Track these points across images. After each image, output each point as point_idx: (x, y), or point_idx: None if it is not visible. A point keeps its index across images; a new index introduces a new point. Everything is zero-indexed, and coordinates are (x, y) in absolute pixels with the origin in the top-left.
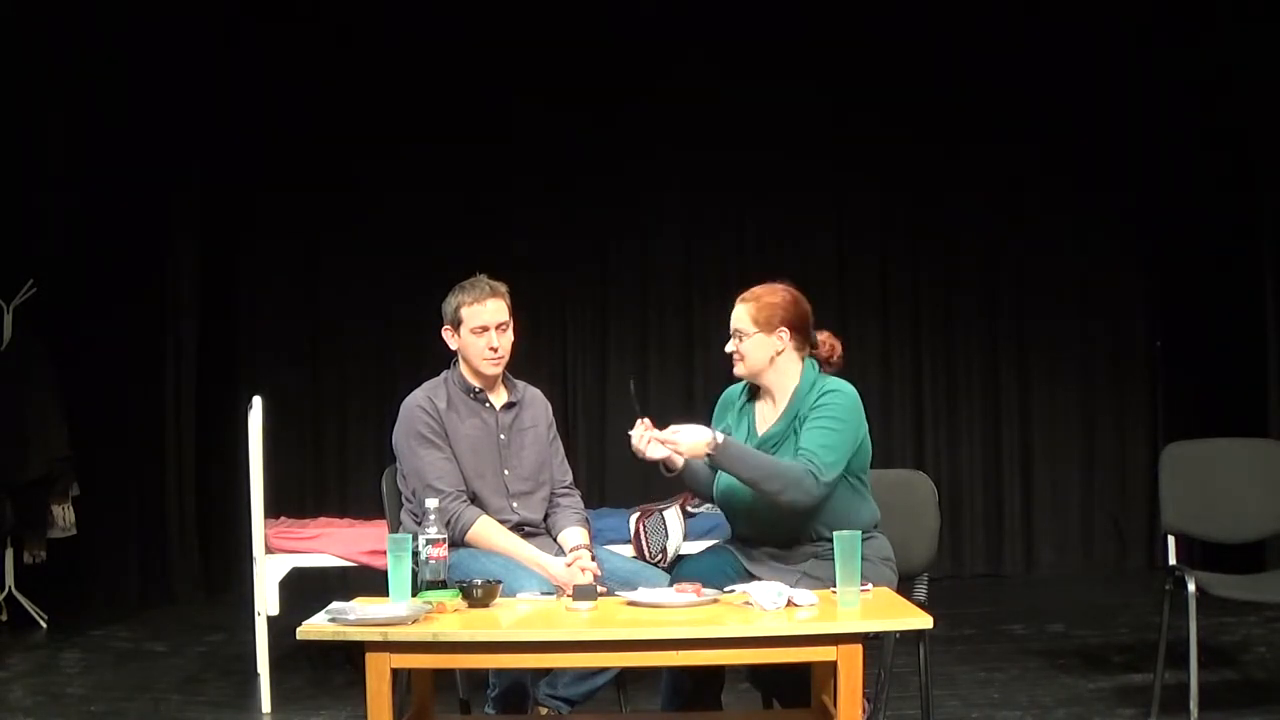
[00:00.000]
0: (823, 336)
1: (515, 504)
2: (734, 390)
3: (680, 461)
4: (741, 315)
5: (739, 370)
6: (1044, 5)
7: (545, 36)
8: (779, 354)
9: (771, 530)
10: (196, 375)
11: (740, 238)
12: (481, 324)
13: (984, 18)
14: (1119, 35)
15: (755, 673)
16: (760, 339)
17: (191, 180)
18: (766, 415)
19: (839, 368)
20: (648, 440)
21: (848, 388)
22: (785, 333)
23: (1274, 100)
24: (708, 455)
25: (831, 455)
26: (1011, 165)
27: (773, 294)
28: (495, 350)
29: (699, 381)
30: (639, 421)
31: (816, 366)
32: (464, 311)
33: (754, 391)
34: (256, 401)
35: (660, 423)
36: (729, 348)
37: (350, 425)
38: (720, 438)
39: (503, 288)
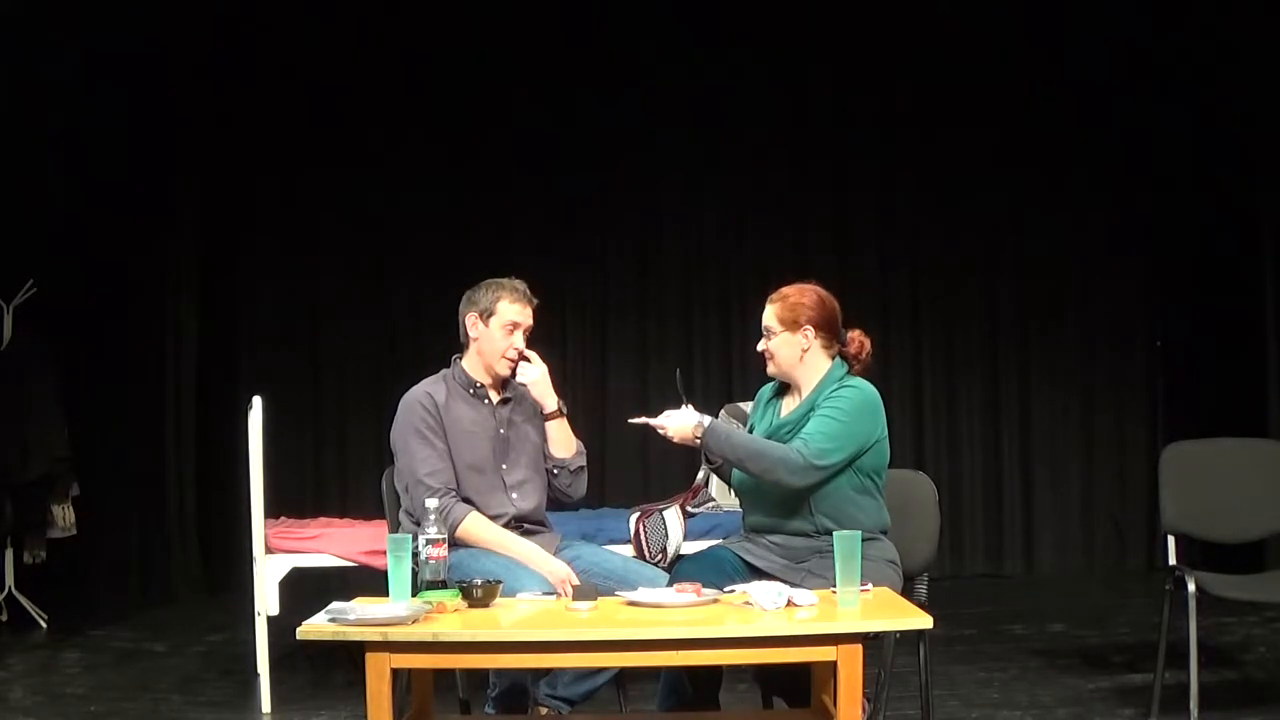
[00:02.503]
0: (852, 335)
1: (514, 495)
2: (766, 389)
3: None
4: (769, 315)
5: (770, 369)
6: (1045, 5)
7: (544, 36)
8: (806, 351)
9: (778, 520)
10: (196, 375)
11: (740, 238)
12: (514, 321)
13: (985, 18)
14: (1119, 35)
15: (759, 670)
16: (786, 337)
17: (191, 180)
18: (788, 404)
19: (867, 365)
20: (650, 426)
21: (867, 387)
22: (810, 331)
23: (1274, 100)
24: (695, 439)
25: (828, 443)
26: (1011, 165)
27: (801, 294)
28: (518, 352)
29: (699, 381)
30: (684, 407)
31: (845, 366)
32: (502, 305)
33: (784, 389)
34: (256, 401)
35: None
36: (760, 346)
37: (350, 425)
38: (706, 421)
39: (535, 301)
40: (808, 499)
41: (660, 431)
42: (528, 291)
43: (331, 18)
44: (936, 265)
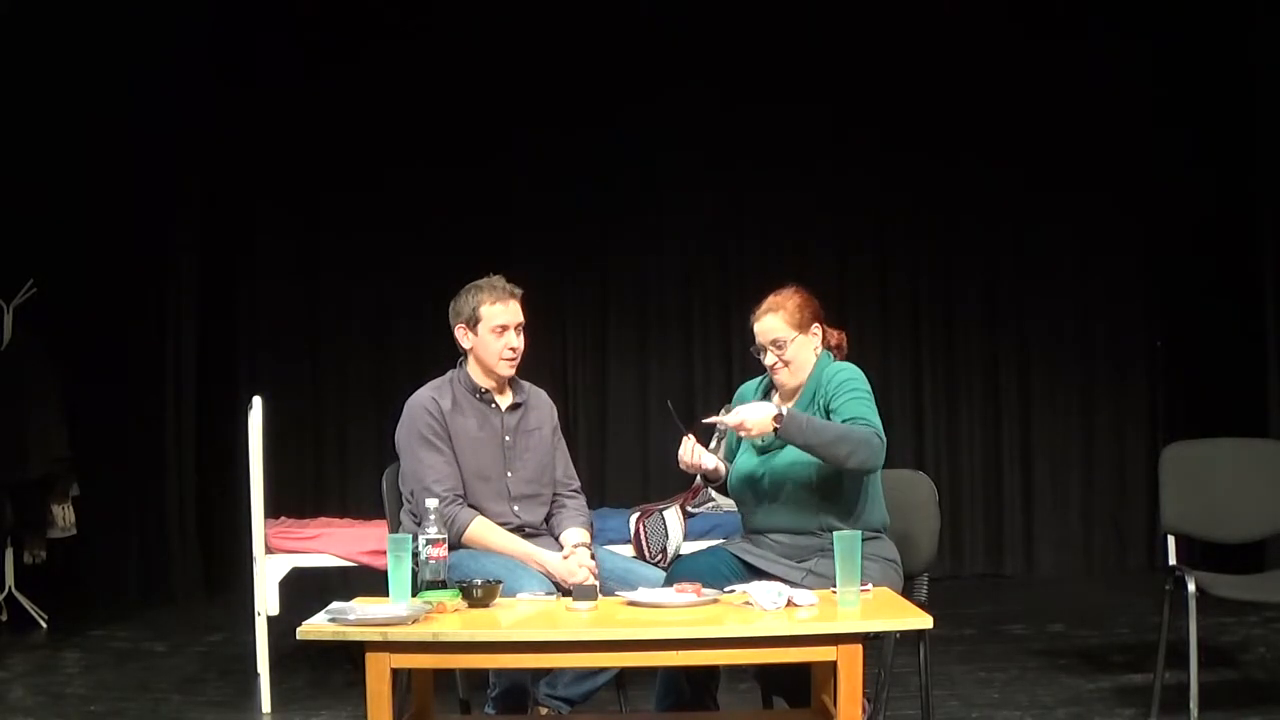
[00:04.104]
0: (829, 330)
1: (517, 508)
2: (748, 388)
3: (724, 470)
4: (777, 324)
5: (784, 378)
6: (1045, 8)
7: (543, 41)
8: (816, 349)
9: (782, 520)
10: (196, 375)
11: (740, 238)
12: (501, 323)
13: (984, 19)
14: (1117, 36)
15: (760, 670)
16: (801, 341)
17: (192, 180)
18: (785, 404)
19: (845, 353)
20: (696, 454)
21: (855, 367)
22: (818, 328)
23: (1274, 99)
24: (775, 429)
25: (875, 417)
26: (1011, 165)
27: (791, 297)
28: (514, 350)
29: (699, 381)
30: (685, 439)
31: (830, 355)
32: (484, 310)
33: (769, 388)
34: (256, 401)
35: (666, 432)
36: (769, 360)
37: (350, 425)
38: (785, 409)
39: (519, 290)
40: (812, 497)
41: (740, 431)
42: (507, 284)
43: (336, 23)
44: (936, 265)
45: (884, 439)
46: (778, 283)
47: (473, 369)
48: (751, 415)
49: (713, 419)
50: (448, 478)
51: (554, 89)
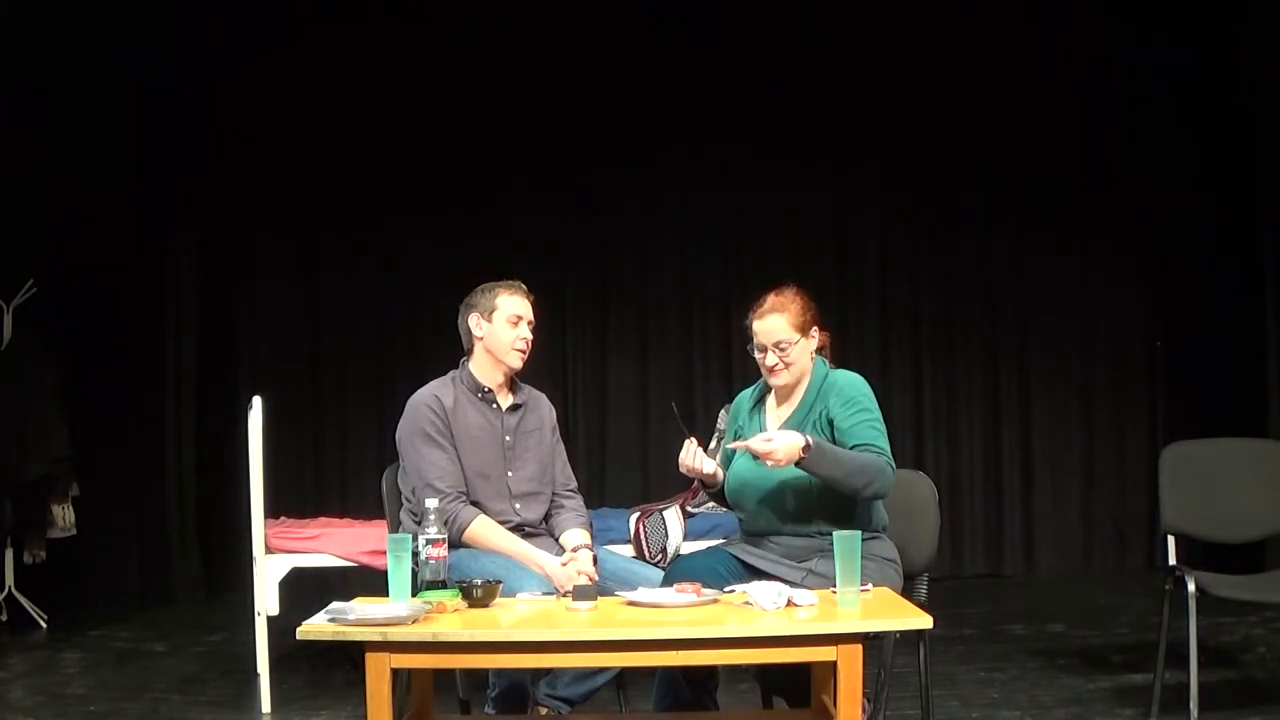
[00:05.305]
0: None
1: (518, 505)
2: (745, 398)
3: (722, 476)
4: (780, 325)
5: (783, 379)
6: (1044, 7)
7: (543, 39)
8: (814, 352)
9: (781, 523)
10: (196, 375)
11: (740, 238)
12: (517, 313)
13: (984, 19)
14: (1119, 36)
15: (760, 671)
16: (803, 343)
17: (192, 180)
18: (781, 413)
19: (830, 356)
20: (697, 458)
21: (859, 378)
22: (816, 330)
23: (1274, 100)
24: (801, 457)
25: (885, 443)
26: (1011, 165)
27: (795, 299)
28: (526, 343)
29: (699, 381)
30: (687, 442)
31: (825, 362)
32: (501, 299)
33: (762, 395)
34: (256, 402)
35: (666, 431)
36: (770, 360)
37: (350, 425)
38: (812, 440)
39: (531, 295)
40: (810, 500)
41: (769, 461)
42: (524, 287)
43: (336, 22)
44: (936, 265)
45: (895, 466)
46: (778, 282)
47: (476, 366)
48: (782, 444)
49: (737, 445)
50: (450, 474)
51: (554, 90)
